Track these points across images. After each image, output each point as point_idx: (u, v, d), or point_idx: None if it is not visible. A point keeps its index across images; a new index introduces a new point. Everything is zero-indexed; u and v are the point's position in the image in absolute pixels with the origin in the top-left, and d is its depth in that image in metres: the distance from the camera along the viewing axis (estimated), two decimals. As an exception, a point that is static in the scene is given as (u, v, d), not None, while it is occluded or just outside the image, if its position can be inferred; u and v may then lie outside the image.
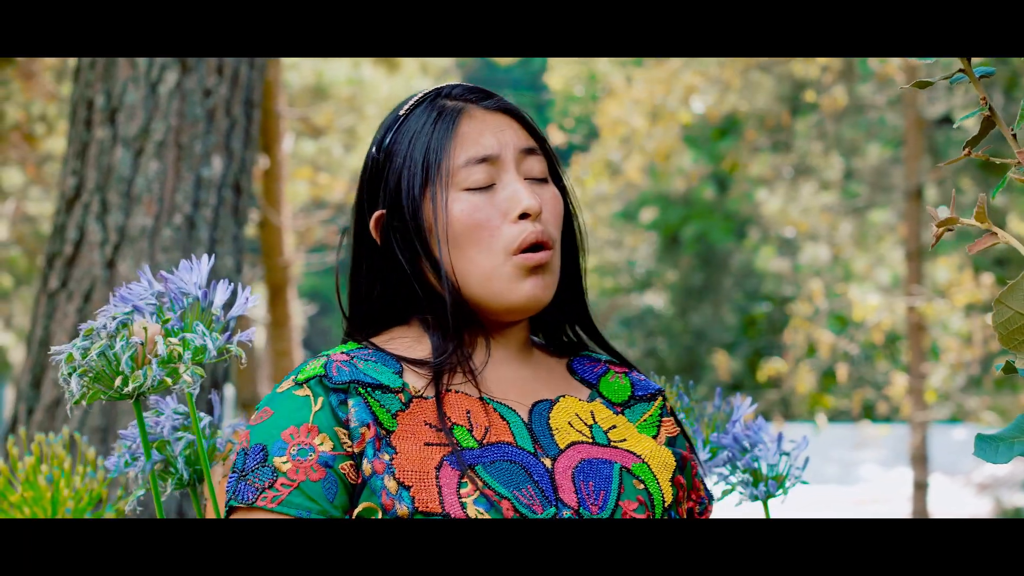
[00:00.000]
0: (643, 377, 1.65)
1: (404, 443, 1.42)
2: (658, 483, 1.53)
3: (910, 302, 10.41)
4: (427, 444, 1.43)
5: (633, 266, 18.00)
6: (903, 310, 10.85)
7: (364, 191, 1.56)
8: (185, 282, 1.39)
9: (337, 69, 12.17)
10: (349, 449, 1.41)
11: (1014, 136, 1.11)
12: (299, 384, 1.44)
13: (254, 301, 1.37)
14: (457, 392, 1.49)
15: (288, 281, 9.94)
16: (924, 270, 11.23)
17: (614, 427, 1.56)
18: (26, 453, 1.65)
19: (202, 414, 1.54)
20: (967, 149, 1.12)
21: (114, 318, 1.36)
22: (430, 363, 1.49)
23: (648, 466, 1.53)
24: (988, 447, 1.21)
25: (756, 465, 1.67)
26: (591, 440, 1.53)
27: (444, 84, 1.58)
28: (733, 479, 1.69)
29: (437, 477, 1.40)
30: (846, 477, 15.96)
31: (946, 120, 11.00)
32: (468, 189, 1.50)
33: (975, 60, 1.19)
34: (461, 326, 1.51)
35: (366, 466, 1.41)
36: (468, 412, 1.48)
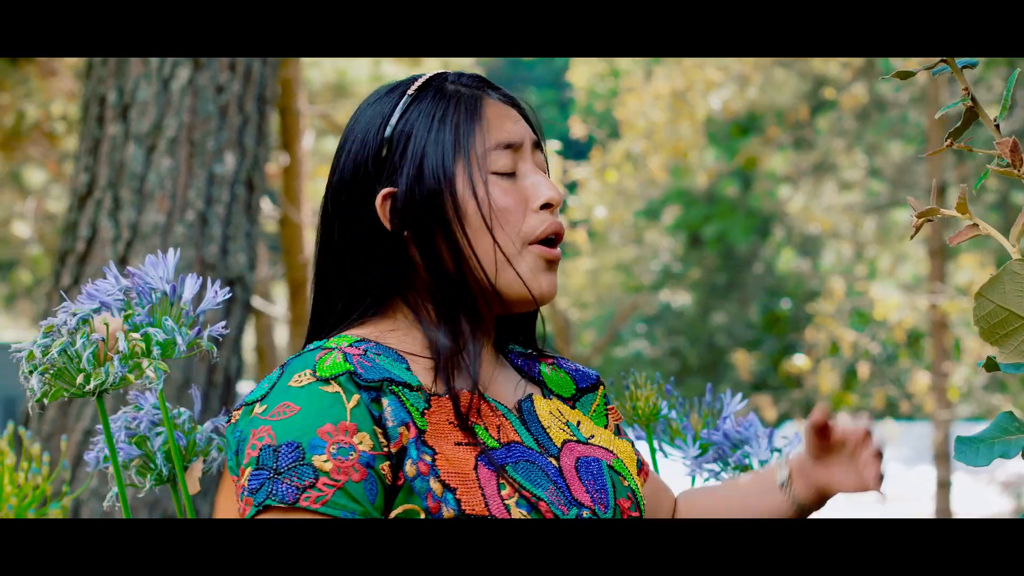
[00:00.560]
0: (576, 366, 1.61)
1: (439, 443, 1.36)
2: (633, 478, 1.50)
3: (933, 300, 10.36)
4: (457, 444, 1.37)
5: (657, 263, 17.95)
6: (926, 308, 10.80)
7: (363, 171, 1.46)
8: (152, 277, 1.37)
9: (359, 67, 12.17)
10: (386, 449, 1.34)
11: (997, 127, 1.10)
12: (324, 380, 1.35)
13: (224, 295, 1.35)
14: (459, 389, 1.42)
15: (308, 279, 9.94)
16: (946, 268, 11.18)
17: (579, 423, 1.53)
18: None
19: (182, 409, 1.52)
20: (949, 140, 1.11)
21: (74, 314, 1.34)
22: (450, 357, 1.42)
23: (622, 461, 1.51)
24: (968, 449, 1.18)
25: (747, 461, 1.65)
26: (575, 438, 1.49)
27: (444, 71, 1.51)
28: (724, 476, 1.68)
29: (478, 479, 1.36)
30: (869, 475, 15.86)
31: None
32: (496, 173, 1.45)
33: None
34: (477, 316, 1.45)
35: (409, 467, 1.34)
36: (478, 410, 1.42)
